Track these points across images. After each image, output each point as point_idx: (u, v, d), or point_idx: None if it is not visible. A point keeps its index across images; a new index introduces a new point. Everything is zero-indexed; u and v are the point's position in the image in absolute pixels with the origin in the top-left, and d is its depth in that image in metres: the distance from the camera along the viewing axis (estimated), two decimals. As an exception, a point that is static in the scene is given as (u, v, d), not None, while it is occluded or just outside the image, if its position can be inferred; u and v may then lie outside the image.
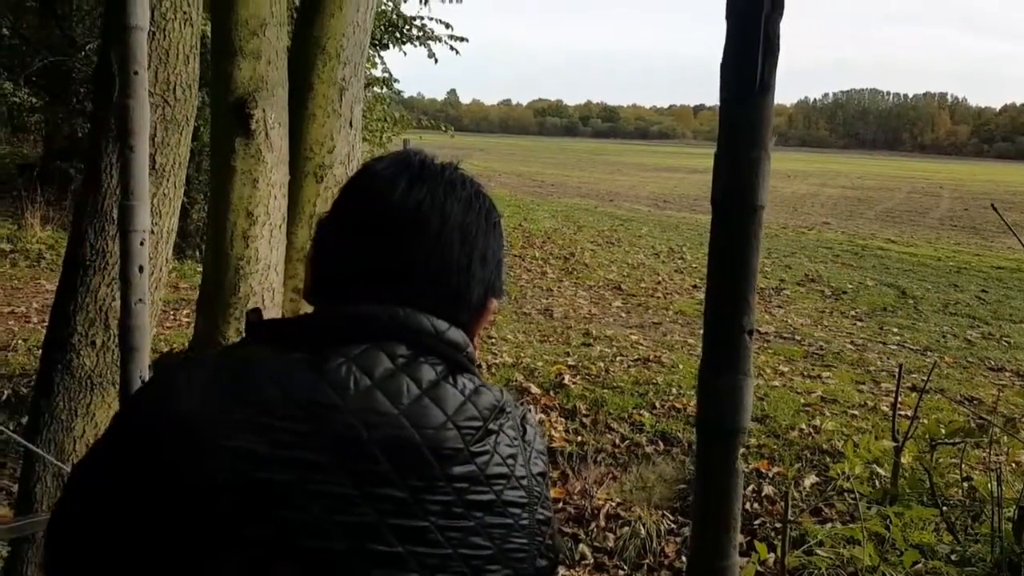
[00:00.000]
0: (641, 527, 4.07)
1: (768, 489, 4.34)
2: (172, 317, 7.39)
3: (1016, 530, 3.15)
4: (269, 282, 3.33)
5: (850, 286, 10.98)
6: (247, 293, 3.24)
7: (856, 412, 5.45)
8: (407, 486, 0.90)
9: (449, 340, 0.99)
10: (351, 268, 1.01)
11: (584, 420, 5.21)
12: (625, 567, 3.98)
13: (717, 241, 0.93)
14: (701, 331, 0.95)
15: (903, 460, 3.90)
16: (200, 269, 6.66)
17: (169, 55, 2.81)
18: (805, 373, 6.50)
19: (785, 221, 19.16)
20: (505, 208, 18.67)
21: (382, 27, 11.40)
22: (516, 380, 5.81)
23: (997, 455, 4.11)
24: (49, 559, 0.97)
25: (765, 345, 7.45)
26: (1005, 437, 4.24)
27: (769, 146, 0.94)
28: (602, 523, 4.17)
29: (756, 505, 4.20)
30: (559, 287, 10.26)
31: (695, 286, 10.58)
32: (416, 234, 1.00)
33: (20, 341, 6.22)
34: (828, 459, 4.56)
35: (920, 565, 3.29)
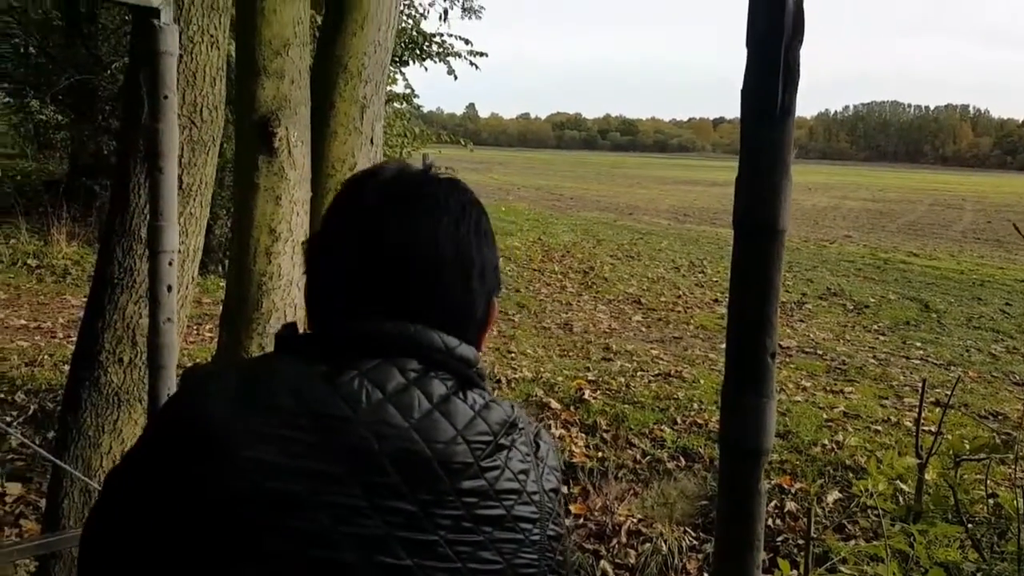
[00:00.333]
0: (663, 544, 4.06)
1: (790, 505, 4.31)
2: (195, 332, 7.45)
3: (1043, 548, 3.11)
4: (291, 297, 3.36)
5: (872, 300, 10.90)
6: (269, 309, 3.27)
7: (879, 427, 5.41)
8: (417, 499, 0.91)
9: (460, 356, 1.00)
10: (353, 292, 1.00)
11: (605, 435, 5.19)
12: (647, 584, 3.96)
13: (739, 264, 0.94)
14: (723, 346, 0.96)
15: (927, 476, 3.86)
16: (223, 284, 6.72)
17: (196, 77, 2.86)
18: (827, 388, 6.46)
19: (807, 234, 19.06)
20: (524, 222, 18.72)
21: (403, 44, 11.50)
22: (536, 395, 5.81)
23: (1023, 471, 4.06)
24: (81, 568, 0.99)
25: (787, 360, 7.40)
26: (1031, 453, 4.19)
27: (791, 169, 0.95)
28: (623, 539, 4.16)
29: (778, 521, 4.18)
30: (578, 301, 10.26)
31: (716, 300, 10.54)
32: (412, 269, 1.00)
33: (46, 356, 6.29)
34: (851, 475, 4.52)
35: (945, 583, 3.25)
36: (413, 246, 0.99)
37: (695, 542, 4.15)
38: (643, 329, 8.84)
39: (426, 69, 13.34)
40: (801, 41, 0.92)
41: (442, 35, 12.30)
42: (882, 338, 8.79)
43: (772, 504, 4.28)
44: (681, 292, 11.12)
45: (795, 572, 3.32)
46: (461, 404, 0.97)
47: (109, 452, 3.01)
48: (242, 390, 0.93)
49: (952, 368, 7.44)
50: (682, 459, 4.90)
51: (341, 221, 1.05)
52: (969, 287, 12.29)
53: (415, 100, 13.75)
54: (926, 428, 4.33)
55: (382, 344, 0.97)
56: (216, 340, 4.32)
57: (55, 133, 15.64)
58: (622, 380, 6.27)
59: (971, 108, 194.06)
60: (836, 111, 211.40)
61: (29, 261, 9.88)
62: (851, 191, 38.88)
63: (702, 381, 6.31)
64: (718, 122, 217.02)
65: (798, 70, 0.92)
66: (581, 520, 4.31)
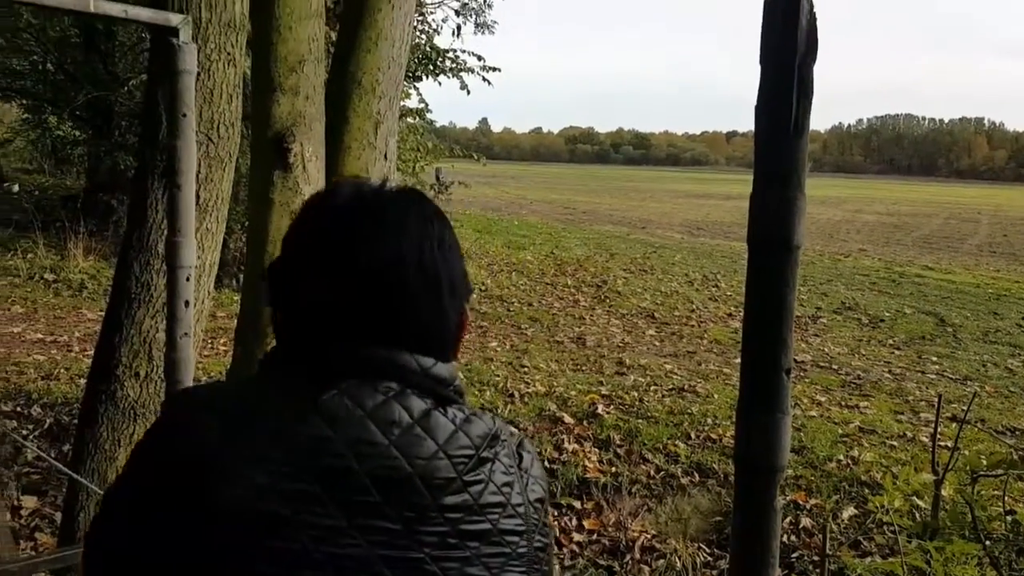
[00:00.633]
0: (677, 560, 4.03)
1: (806, 521, 4.27)
2: (210, 346, 7.49)
3: (1063, 566, 3.08)
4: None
5: (887, 314, 10.84)
6: (284, 324, 3.28)
7: (895, 443, 5.37)
8: (400, 517, 0.91)
9: (435, 376, 0.99)
10: (319, 319, 0.99)
11: (618, 450, 5.18)
12: (661, 600, 3.93)
13: (754, 281, 0.94)
14: (737, 360, 0.96)
15: (944, 493, 3.83)
16: (237, 298, 6.76)
17: (213, 95, 2.88)
18: (842, 403, 6.42)
19: (821, 248, 18.99)
20: (537, 235, 18.74)
21: (416, 60, 11.58)
22: (549, 409, 5.80)
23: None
24: None
25: (802, 374, 7.37)
26: (1049, 469, 4.15)
27: (804, 185, 0.96)
28: (637, 555, 4.14)
29: (793, 538, 4.15)
30: (591, 315, 10.25)
31: (730, 314, 10.51)
32: (380, 292, 0.98)
33: (63, 370, 6.33)
34: (867, 491, 4.49)
35: (963, 601, 3.22)
36: (378, 269, 0.97)
37: (709, 558, 4.12)
38: (657, 343, 8.82)
39: (440, 84, 13.42)
40: (815, 59, 0.93)
41: (455, 51, 12.39)
42: (897, 352, 8.74)
43: (787, 520, 4.25)
44: (695, 306, 11.09)
45: (811, 589, 3.29)
46: (442, 419, 0.96)
47: (125, 466, 3.02)
48: (229, 415, 0.93)
49: (968, 383, 7.39)
50: (696, 474, 4.88)
51: (302, 248, 1.03)
52: (985, 301, 12.21)
53: (428, 115, 13.84)
54: (942, 443, 4.29)
55: (358, 368, 0.96)
56: (231, 354, 4.34)
57: (72, 149, 15.85)
58: (636, 395, 6.26)
59: (986, 121, 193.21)
60: (850, 124, 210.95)
61: (46, 275, 9.96)
62: (865, 204, 38.75)
63: (716, 396, 6.29)
64: (732, 135, 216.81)
65: (812, 88, 0.93)
66: (595, 536, 4.29)
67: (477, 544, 0.94)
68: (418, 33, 11.91)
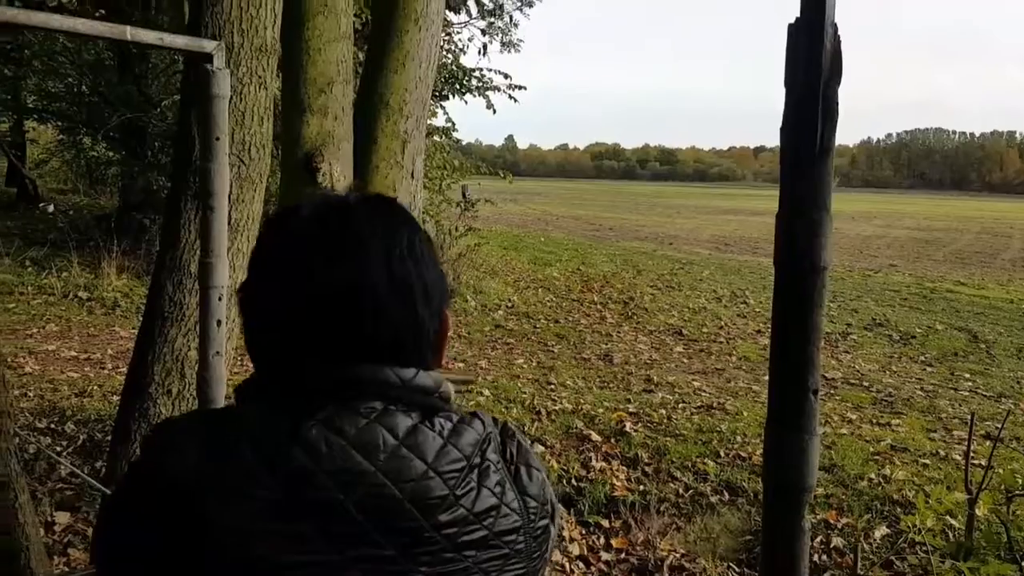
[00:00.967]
0: (706, 579, 4.00)
1: (837, 541, 4.22)
2: (240, 363, 7.56)
3: (1102, 588, 3.02)
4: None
5: (919, 330, 10.71)
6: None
7: (927, 461, 5.29)
8: (393, 543, 0.89)
9: (418, 387, 0.97)
10: (293, 340, 0.96)
11: (646, 468, 5.15)
12: (690, 620, 3.90)
13: (781, 301, 0.95)
14: (766, 377, 0.97)
15: (978, 512, 3.77)
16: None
17: (245, 117, 2.94)
18: (874, 420, 6.34)
19: (851, 264, 18.81)
20: (563, 252, 18.74)
21: (443, 79, 11.68)
22: (576, 427, 5.78)
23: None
24: None
25: (832, 392, 7.29)
26: (1087, 489, 4.07)
27: (831, 206, 0.96)
28: (666, 575, 4.11)
29: (824, 557, 4.10)
30: (619, 332, 10.22)
31: (759, 331, 10.43)
32: (351, 308, 0.95)
33: (96, 387, 6.41)
34: (899, 510, 4.43)
35: (1000, 623, 3.16)
36: (347, 285, 0.94)
37: (739, 578, 4.08)
38: (685, 360, 8.78)
39: (466, 103, 13.54)
40: (839, 82, 0.94)
41: (481, 70, 12.49)
42: (929, 369, 8.63)
43: (817, 540, 4.21)
44: (723, 323, 11.03)
45: (843, 610, 3.25)
46: (430, 434, 0.94)
47: (157, 483, 3.06)
48: (208, 450, 0.90)
49: (1002, 400, 7.27)
50: (725, 493, 4.84)
51: (269, 267, 1.00)
52: (1019, 317, 12.02)
53: (454, 133, 13.94)
54: (976, 462, 4.23)
55: (337, 388, 0.94)
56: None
57: (106, 169, 16.13)
58: (664, 412, 6.22)
59: (1018, 134, 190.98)
60: (879, 138, 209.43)
61: (80, 293, 10.11)
62: (895, 219, 38.36)
63: (745, 413, 6.24)
64: (759, 151, 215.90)
65: (836, 111, 0.93)
66: (623, 555, 4.26)
67: (474, 552, 0.92)
68: (444, 53, 12.02)
